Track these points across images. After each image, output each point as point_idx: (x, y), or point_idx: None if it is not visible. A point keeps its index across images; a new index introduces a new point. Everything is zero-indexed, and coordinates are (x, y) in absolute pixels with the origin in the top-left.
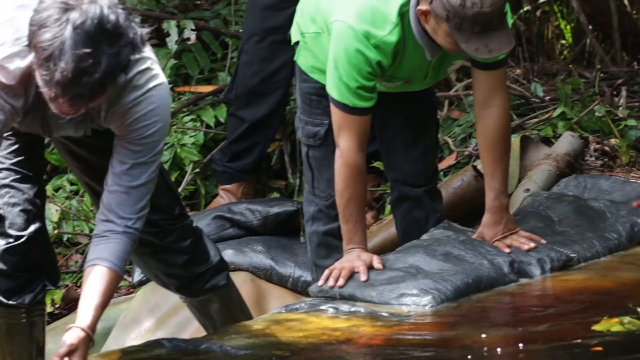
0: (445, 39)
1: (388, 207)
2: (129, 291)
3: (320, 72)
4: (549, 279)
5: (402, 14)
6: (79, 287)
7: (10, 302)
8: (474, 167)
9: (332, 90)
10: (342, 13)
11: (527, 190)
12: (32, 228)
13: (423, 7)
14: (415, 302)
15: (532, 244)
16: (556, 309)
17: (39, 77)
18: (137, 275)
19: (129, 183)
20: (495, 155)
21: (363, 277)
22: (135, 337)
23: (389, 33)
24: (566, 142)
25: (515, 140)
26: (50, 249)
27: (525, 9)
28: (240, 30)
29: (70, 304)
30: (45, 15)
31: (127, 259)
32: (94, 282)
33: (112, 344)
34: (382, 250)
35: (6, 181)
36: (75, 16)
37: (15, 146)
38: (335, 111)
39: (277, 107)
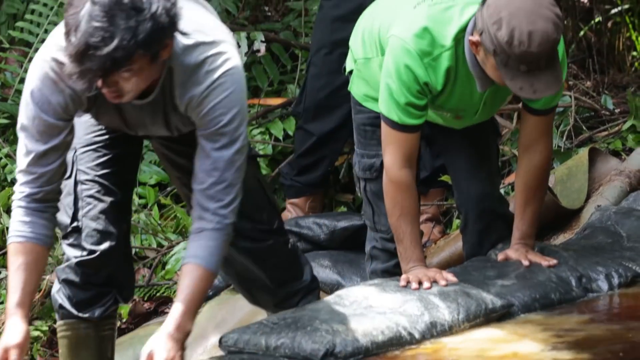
0: (493, 72)
1: (456, 222)
2: None
3: (374, 100)
4: (616, 294)
5: (458, 39)
6: (146, 301)
7: (81, 315)
8: None
9: (382, 105)
10: (399, 29)
11: (599, 206)
12: (107, 244)
13: (474, 37)
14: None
15: (552, 262)
16: (626, 325)
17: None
18: None
19: (218, 178)
20: (529, 198)
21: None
22: (201, 352)
23: (440, 55)
24: (639, 157)
25: (584, 152)
26: (128, 264)
27: (597, 20)
28: (310, 42)
29: (137, 319)
30: None
31: (221, 253)
32: (185, 281)
33: None
34: (448, 265)
35: (89, 192)
36: None
37: (104, 158)
38: (383, 127)
39: (345, 120)
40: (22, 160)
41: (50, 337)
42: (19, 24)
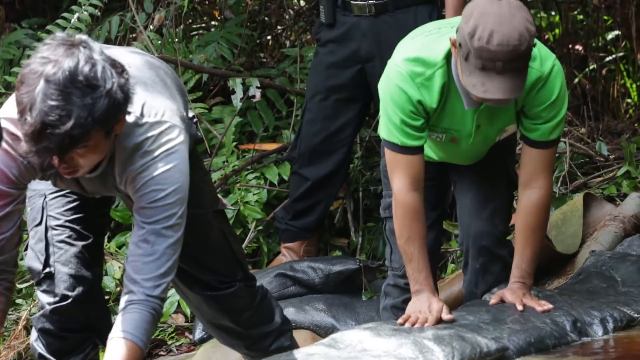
0: (461, 76)
1: (450, 266)
2: (189, 349)
3: None
4: (611, 338)
5: (448, 56)
6: None
7: None
8: None
9: (382, 130)
10: (396, 56)
11: (593, 251)
12: (80, 288)
13: (453, 37)
14: None
15: (547, 307)
16: None
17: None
18: (198, 333)
19: (146, 250)
20: (529, 236)
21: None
22: None
23: (433, 74)
24: (633, 203)
25: (579, 197)
26: (103, 307)
27: (591, 67)
28: (305, 88)
29: None
30: (27, 70)
31: (148, 328)
32: (112, 357)
33: None
34: None
35: (60, 238)
36: (49, 69)
37: (74, 203)
38: (386, 152)
39: (340, 165)
40: None
41: None
42: (15, 69)
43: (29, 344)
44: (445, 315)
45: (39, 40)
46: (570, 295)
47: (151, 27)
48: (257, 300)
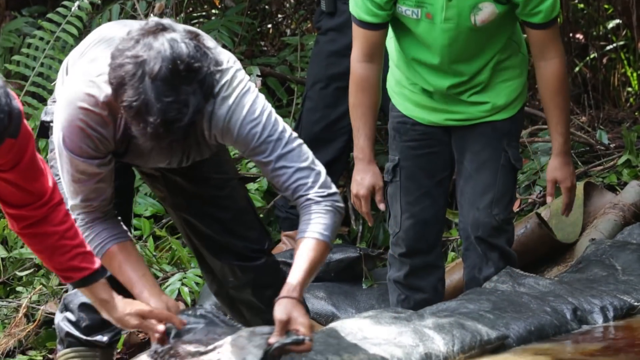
0: None
1: (451, 254)
2: None
3: (394, 94)
4: (611, 326)
5: None
6: (140, 332)
7: (90, 339)
8: (538, 215)
9: (350, 4)
10: None
11: (593, 239)
12: None
13: None
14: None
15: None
16: (622, 356)
17: (134, 131)
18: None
19: (288, 172)
20: (559, 102)
21: (364, 210)
22: None
23: None
24: (633, 191)
25: (579, 186)
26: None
27: (592, 56)
28: (306, 77)
29: (132, 349)
30: (122, 72)
31: (330, 224)
32: (301, 252)
33: None
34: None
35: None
36: (149, 66)
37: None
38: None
39: (340, 153)
40: (74, 198)
41: None
42: (15, 57)
43: (29, 331)
44: (378, 198)
45: (39, 28)
46: (571, 284)
47: (152, 15)
48: (282, 279)
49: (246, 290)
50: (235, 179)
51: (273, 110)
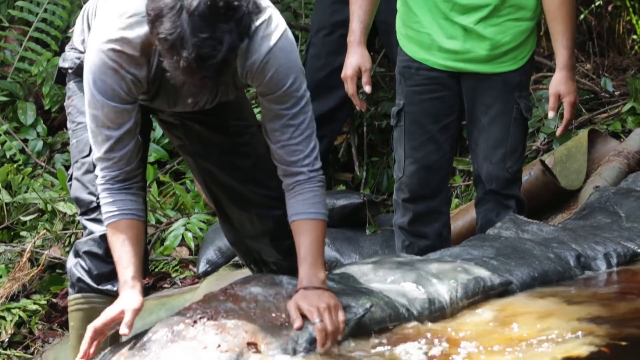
0: None
1: (455, 201)
2: (194, 281)
3: (401, 37)
4: (614, 272)
5: None
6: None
7: (100, 287)
8: (542, 162)
9: None
10: None
11: (597, 187)
12: None
13: None
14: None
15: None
16: (626, 300)
17: (166, 65)
18: (202, 266)
19: (293, 132)
20: (564, 15)
21: (351, 92)
22: None
23: None
24: (637, 139)
25: (584, 133)
26: (144, 240)
27: (597, 3)
28: (310, 24)
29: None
30: (161, 4)
31: (321, 200)
32: (300, 237)
33: None
34: (460, 233)
35: None
36: (188, 1)
37: None
38: None
39: (344, 100)
40: (99, 147)
41: (48, 311)
42: (19, 3)
43: (33, 275)
44: (364, 80)
45: None
46: (574, 231)
47: None
48: None
49: (264, 239)
50: (254, 125)
51: (300, 64)
